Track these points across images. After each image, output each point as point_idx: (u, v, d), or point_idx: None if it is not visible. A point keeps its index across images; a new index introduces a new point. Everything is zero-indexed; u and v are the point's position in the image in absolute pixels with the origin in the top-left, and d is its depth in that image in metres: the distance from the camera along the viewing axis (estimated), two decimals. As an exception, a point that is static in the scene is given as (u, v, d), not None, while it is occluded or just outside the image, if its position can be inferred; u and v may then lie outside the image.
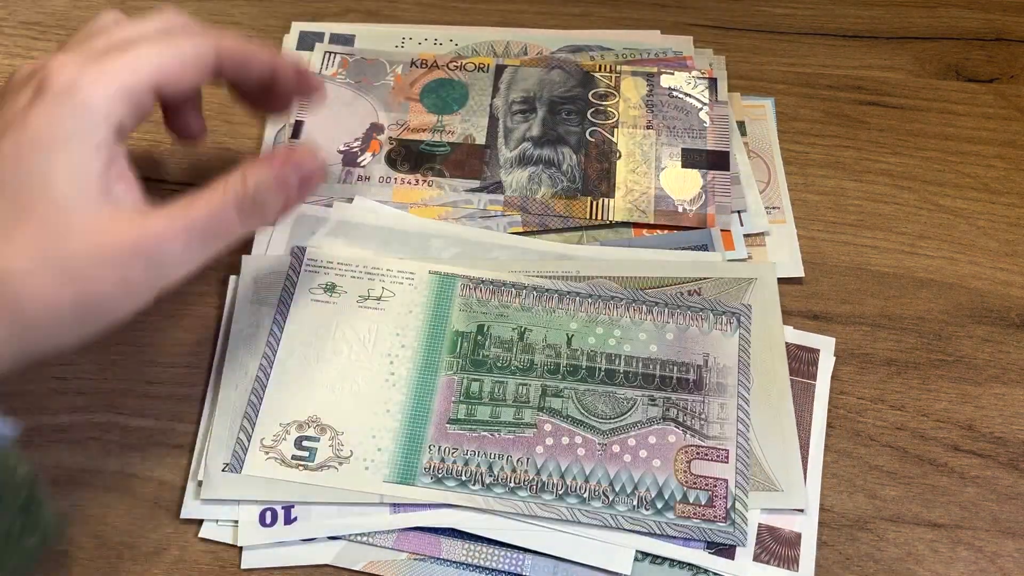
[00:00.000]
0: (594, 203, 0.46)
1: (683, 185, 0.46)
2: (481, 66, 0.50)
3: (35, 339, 0.31)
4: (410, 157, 0.47)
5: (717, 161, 0.47)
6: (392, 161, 0.47)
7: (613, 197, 0.46)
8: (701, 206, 0.45)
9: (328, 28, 0.52)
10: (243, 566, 0.37)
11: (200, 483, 0.38)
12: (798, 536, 0.38)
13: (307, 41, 0.52)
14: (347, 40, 0.52)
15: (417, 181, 0.46)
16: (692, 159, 0.47)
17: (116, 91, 0.32)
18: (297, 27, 0.53)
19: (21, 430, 0.31)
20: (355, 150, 0.47)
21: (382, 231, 0.44)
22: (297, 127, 0.48)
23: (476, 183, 0.46)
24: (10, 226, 0.31)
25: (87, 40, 0.35)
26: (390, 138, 0.48)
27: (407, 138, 0.48)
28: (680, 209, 0.45)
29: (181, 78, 0.34)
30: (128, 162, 0.33)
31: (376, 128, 0.48)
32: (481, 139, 0.48)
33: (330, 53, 0.51)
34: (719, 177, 0.46)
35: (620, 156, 0.47)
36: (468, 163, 0.47)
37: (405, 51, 0.51)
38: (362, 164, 0.47)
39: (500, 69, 0.50)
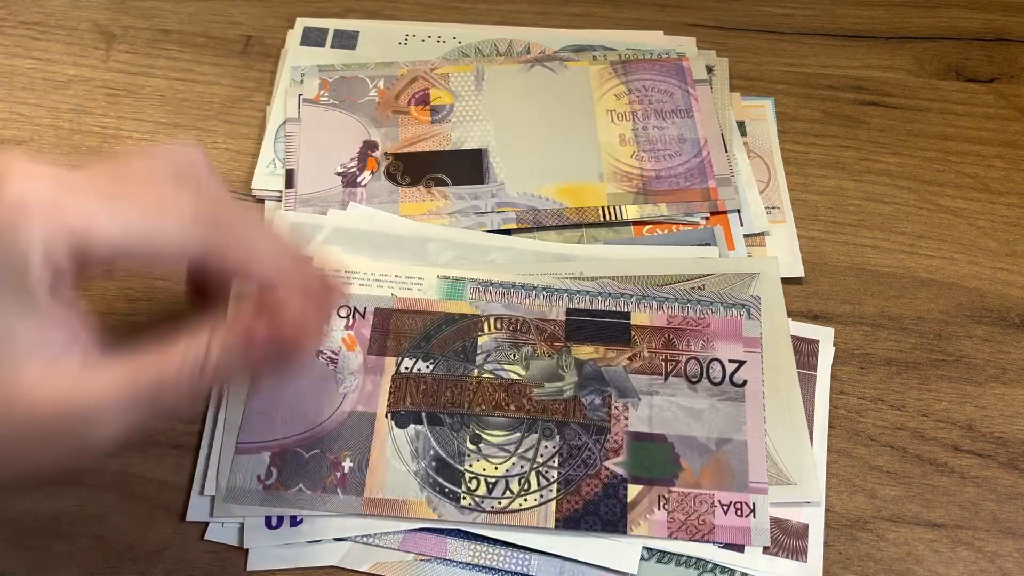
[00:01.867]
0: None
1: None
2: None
3: None
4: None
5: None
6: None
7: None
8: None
9: (332, 24, 0.52)
10: (249, 567, 0.37)
11: (204, 486, 0.38)
12: (805, 527, 0.38)
13: (311, 37, 0.52)
14: (351, 37, 0.52)
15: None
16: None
17: (64, 232, 0.27)
18: (301, 23, 0.53)
19: None
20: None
21: (378, 236, 0.44)
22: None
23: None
24: None
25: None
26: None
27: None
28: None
29: (146, 252, 0.28)
30: (75, 307, 0.28)
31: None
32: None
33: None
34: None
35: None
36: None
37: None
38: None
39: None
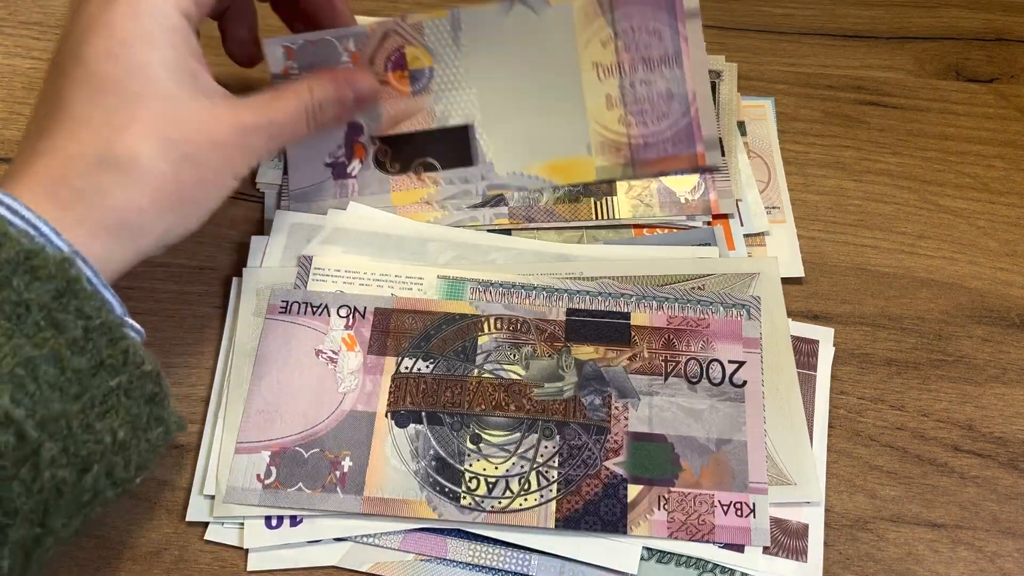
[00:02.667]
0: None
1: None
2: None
3: (165, 222, 0.34)
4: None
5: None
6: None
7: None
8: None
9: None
10: (249, 568, 0.37)
11: (204, 485, 0.38)
12: (805, 527, 0.38)
13: None
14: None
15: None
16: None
17: None
18: None
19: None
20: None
21: (378, 236, 0.44)
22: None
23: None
24: (128, 113, 0.33)
25: None
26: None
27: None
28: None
29: None
30: (201, 52, 0.36)
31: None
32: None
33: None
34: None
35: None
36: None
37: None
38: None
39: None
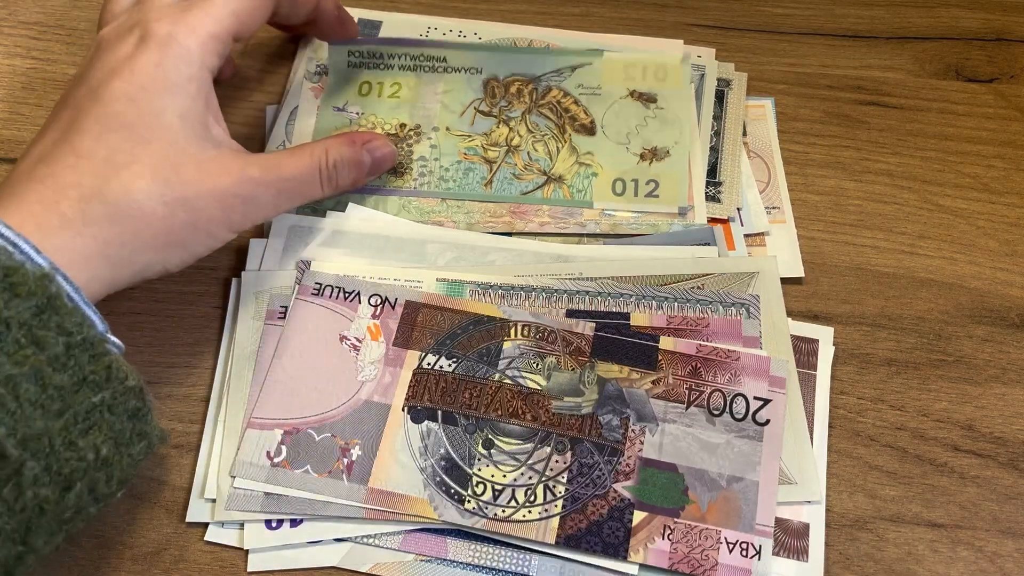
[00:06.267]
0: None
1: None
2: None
3: (145, 257, 0.35)
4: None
5: None
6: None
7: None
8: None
9: (356, 13, 0.52)
10: (249, 568, 0.37)
11: (204, 488, 0.38)
12: (806, 527, 0.38)
13: None
14: (374, 26, 0.52)
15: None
16: None
17: (207, 40, 0.36)
18: None
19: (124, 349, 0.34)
20: None
21: (377, 239, 0.44)
22: None
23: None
24: (132, 153, 0.34)
25: None
26: None
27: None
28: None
29: (253, 21, 0.38)
30: (217, 106, 0.38)
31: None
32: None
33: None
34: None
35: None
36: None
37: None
38: None
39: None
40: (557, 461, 0.38)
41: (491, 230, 0.45)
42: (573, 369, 0.40)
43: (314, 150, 0.39)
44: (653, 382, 0.40)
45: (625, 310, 0.42)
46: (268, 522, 0.37)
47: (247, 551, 0.37)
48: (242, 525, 0.37)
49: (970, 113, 0.51)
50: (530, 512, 0.37)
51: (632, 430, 0.39)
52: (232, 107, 0.50)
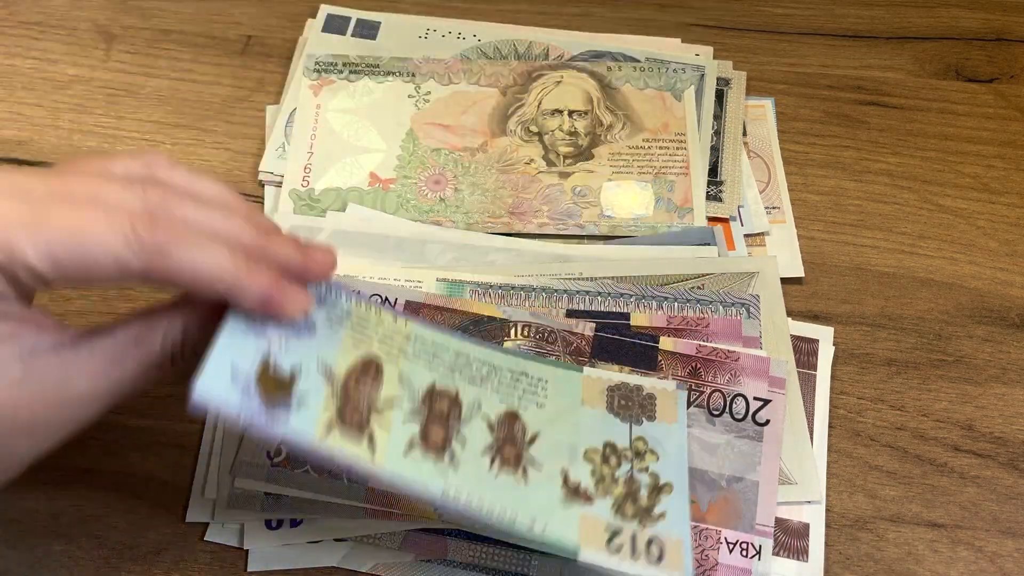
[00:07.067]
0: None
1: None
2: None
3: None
4: None
5: None
6: None
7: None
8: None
9: (355, 14, 0.52)
10: (249, 568, 0.37)
11: (204, 488, 0.38)
12: (806, 527, 0.38)
13: (333, 25, 0.52)
14: (372, 27, 0.52)
15: None
16: None
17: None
18: (325, 9, 0.52)
19: None
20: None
21: (377, 239, 0.44)
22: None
23: None
24: None
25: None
26: None
27: None
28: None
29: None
30: (27, 315, 0.29)
31: None
32: None
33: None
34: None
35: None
36: None
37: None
38: None
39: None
40: None
41: (490, 230, 0.45)
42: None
43: (161, 319, 0.31)
44: None
45: (625, 310, 0.42)
46: (268, 522, 0.37)
47: (247, 551, 0.37)
48: (242, 525, 0.37)
49: (970, 113, 0.51)
50: None
51: None
52: (233, 107, 0.50)
